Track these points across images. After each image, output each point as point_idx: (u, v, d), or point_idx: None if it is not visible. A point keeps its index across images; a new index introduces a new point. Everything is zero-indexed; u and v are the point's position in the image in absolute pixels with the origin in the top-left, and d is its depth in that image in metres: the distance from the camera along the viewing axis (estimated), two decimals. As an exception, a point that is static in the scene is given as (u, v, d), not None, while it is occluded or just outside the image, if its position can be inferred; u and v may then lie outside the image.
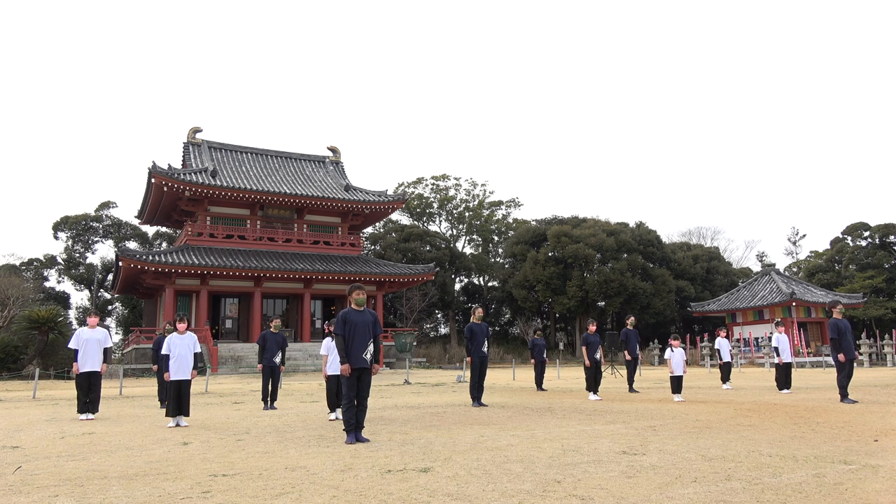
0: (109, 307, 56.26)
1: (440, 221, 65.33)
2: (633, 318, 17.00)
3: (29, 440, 8.28)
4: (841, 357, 12.05)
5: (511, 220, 66.16)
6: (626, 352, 16.43)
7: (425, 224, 63.58)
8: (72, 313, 54.73)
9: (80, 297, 65.15)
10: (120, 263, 34.85)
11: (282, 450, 6.95)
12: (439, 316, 60.60)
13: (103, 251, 59.41)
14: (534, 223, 61.10)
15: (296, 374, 30.16)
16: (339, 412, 10.05)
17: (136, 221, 53.16)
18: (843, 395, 11.99)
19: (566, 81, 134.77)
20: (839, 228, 76.65)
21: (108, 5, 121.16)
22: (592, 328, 14.85)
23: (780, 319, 20.48)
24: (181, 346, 9.92)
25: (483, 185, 65.28)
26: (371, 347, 7.56)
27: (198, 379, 22.87)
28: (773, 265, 49.72)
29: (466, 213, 64.37)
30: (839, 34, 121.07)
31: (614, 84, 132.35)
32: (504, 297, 59.12)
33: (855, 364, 13.64)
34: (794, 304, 42.30)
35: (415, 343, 40.85)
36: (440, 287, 53.97)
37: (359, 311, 7.63)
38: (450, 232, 65.14)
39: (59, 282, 57.54)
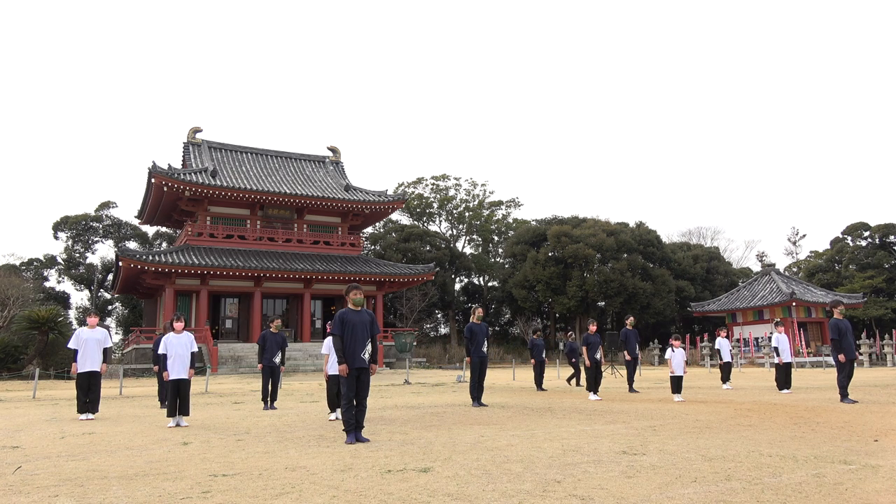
0: (109, 307, 56.25)
1: (440, 221, 65.33)
2: (632, 318, 17.01)
3: (29, 440, 8.27)
4: (841, 357, 12.05)
5: (511, 220, 66.14)
6: (625, 352, 16.44)
7: (425, 224, 63.56)
8: (72, 313, 54.74)
9: (80, 297, 65.20)
10: (120, 263, 34.84)
11: (282, 450, 6.94)
12: (439, 316, 60.59)
13: (103, 251, 59.48)
14: (534, 223, 61.10)
15: (296, 374, 30.15)
16: (339, 412, 10.05)
17: (136, 221, 53.19)
18: (843, 395, 11.99)
19: (566, 81, 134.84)
20: (839, 228, 76.74)
21: (108, 5, 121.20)
22: (593, 328, 14.86)
23: (779, 319, 20.48)
24: (178, 346, 9.92)
25: (483, 185, 65.29)
26: (369, 347, 7.55)
27: (198, 379, 22.86)
28: (773, 265, 49.68)
29: (466, 213, 64.33)
30: (839, 34, 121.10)
31: (614, 84, 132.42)
32: (504, 297, 59.10)
33: (855, 364, 13.63)
34: (794, 304, 42.30)
35: (415, 343, 40.84)
36: (440, 287, 53.95)
37: (356, 311, 7.62)
38: (450, 232, 65.12)
39: (59, 282, 57.59)
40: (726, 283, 58.88)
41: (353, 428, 7.42)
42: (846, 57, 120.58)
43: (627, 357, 16.39)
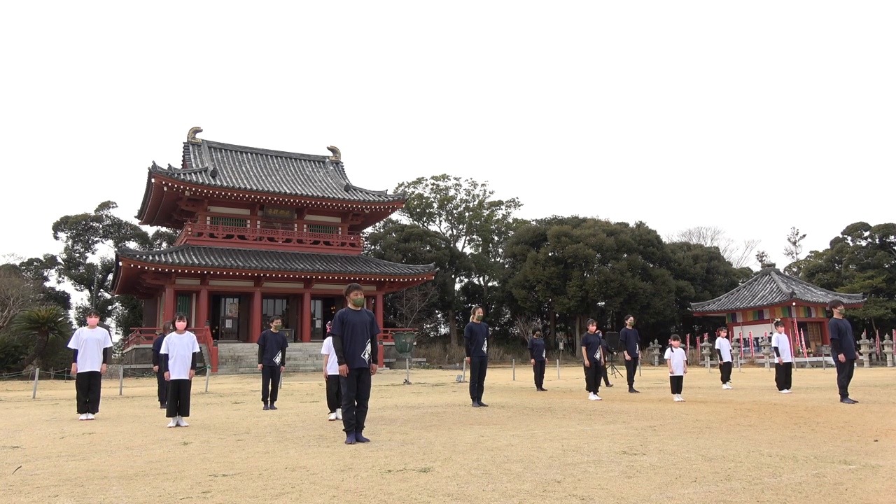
0: (109, 307, 56.24)
1: (440, 221, 65.32)
2: (632, 318, 17.03)
3: (29, 440, 8.27)
4: (841, 357, 12.04)
5: (511, 220, 66.14)
6: (625, 352, 16.46)
7: (425, 224, 63.55)
8: (72, 313, 54.71)
9: (80, 297, 65.14)
10: (120, 263, 34.85)
11: (282, 450, 6.94)
12: (439, 316, 60.57)
13: (103, 251, 59.47)
14: (534, 223, 61.10)
15: (296, 374, 30.15)
16: (339, 412, 10.05)
17: (136, 221, 53.17)
18: (843, 395, 11.98)
19: (566, 81, 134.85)
20: (839, 228, 76.72)
21: (108, 5, 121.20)
22: (592, 328, 14.86)
23: (779, 319, 20.48)
24: (180, 346, 9.92)
25: (483, 185, 65.28)
26: (369, 347, 7.56)
27: (198, 379, 22.86)
28: (773, 265, 49.67)
29: (466, 213, 64.33)
30: (839, 34, 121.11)
31: (614, 84, 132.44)
32: (504, 297, 59.09)
33: (855, 364, 13.63)
34: (794, 304, 42.29)
35: (415, 343, 40.84)
36: (440, 287, 53.93)
37: (356, 312, 7.62)
38: (450, 232, 65.11)
39: (59, 282, 57.56)
40: (726, 283, 58.87)
41: (354, 428, 7.42)
42: (846, 57, 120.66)
43: (627, 357, 16.41)
